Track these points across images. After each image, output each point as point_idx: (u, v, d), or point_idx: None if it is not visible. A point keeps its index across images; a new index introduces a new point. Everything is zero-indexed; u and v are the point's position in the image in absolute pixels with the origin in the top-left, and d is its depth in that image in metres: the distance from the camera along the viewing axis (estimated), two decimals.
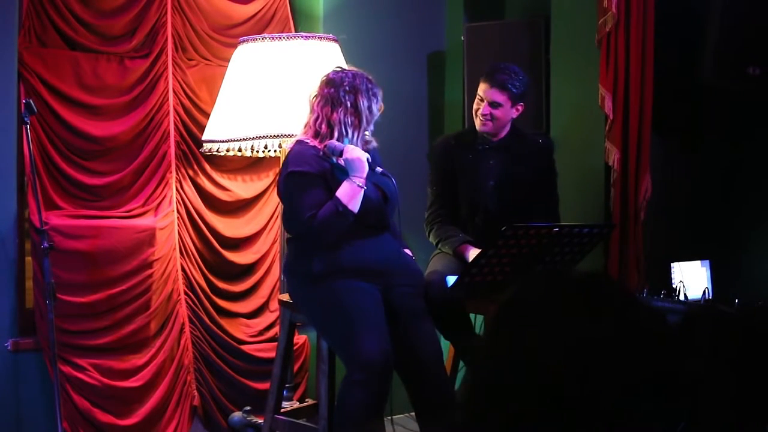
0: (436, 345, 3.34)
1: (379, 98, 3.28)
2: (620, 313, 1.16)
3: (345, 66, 3.36)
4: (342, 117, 3.22)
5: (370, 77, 3.30)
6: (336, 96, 3.23)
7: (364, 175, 3.16)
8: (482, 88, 3.68)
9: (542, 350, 1.13)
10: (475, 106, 3.72)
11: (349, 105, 3.22)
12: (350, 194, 3.14)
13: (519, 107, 3.70)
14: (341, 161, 3.18)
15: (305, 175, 3.17)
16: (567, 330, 1.14)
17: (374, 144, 3.38)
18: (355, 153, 3.17)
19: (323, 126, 3.23)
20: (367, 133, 3.34)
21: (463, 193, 3.76)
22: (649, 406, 1.12)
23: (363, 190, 3.16)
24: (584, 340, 1.13)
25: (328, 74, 3.31)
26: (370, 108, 3.25)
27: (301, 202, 3.16)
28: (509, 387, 1.14)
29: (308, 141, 3.26)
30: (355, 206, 3.15)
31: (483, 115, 3.67)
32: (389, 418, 3.31)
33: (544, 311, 1.17)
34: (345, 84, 3.24)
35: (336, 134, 3.22)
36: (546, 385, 1.11)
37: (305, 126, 3.31)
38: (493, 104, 3.65)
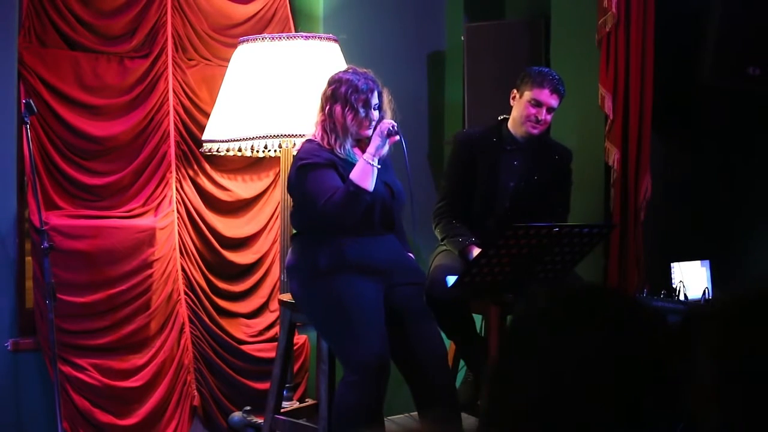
0: (440, 346, 3.34)
1: (373, 90, 3.26)
2: (623, 321, 1.18)
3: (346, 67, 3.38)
4: (339, 114, 3.24)
5: (367, 73, 3.29)
6: (337, 94, 3.25)
7: (378, 154, 3.18)
8: (541, 94, 3.59)
9: (556, 359, 1.14)
10: (528, 111, 3.61)
11: (347, 103, 3.24)
12: (362, 172, 3.16)
13: None
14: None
15: (315, 165, 3.21)
16: (576, 339, 1.15)
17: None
18: (379, 129, 3.21)
19: (327, 125, 3.27)
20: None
21: (479, 192, 3.70)
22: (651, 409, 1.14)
23: (375, 168, 3.16)
24: (594, 348, 1.14)
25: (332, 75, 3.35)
26: (365, 103, 3.24)
27: (315, 190, 3.18)
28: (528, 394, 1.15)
29: (316, 139, 3.30)
30: (367, 184, 3.15)
31: (542, 120, 3.62)
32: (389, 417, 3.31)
33: (554, 322, 1.18)
34: (342, 83, 3.26)
35: (339, 131, 3.24)
36: (560, 393, 1.13)
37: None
38: (551, 109, 3.63)
